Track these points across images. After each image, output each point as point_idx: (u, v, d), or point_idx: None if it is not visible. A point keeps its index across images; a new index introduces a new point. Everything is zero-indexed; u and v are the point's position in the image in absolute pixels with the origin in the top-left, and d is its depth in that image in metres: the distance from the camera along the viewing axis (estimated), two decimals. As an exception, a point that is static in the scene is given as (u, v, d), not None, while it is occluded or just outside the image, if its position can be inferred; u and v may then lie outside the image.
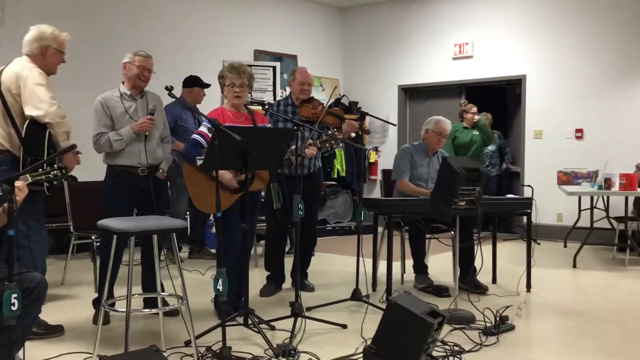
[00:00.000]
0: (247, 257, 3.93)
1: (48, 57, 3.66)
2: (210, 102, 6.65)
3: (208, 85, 6.17)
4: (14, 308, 2.25)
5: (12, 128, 3.49)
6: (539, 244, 7.48)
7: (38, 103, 3.46)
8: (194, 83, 6.19)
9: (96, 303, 4.07)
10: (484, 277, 4.97)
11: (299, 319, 3.79)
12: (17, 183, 2.42)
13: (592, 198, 6.62)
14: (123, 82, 4.12)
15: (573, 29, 7.97)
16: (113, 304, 3.59)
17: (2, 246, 3.46)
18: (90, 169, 6.42)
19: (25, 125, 3.49)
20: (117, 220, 3.32)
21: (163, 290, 4.01)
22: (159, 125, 4.13)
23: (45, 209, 3.87)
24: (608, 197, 6.72)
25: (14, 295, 2.24)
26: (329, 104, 4.84)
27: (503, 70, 8.58)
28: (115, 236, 3.17)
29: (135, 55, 4.08)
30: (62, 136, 3.54)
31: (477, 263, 4.65)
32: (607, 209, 6.71)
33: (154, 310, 3.74)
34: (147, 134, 4.00)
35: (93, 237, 5.02)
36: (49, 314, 3.85)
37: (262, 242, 5.90)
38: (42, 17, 6.64)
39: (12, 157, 3.51)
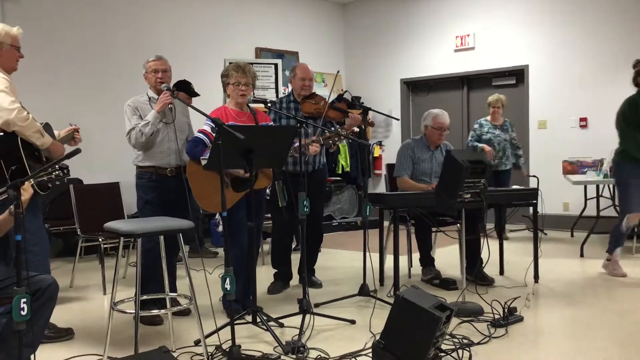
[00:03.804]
0: (254, 255, 3.94)
1: (4, 55, 3.52)
2: (212, 101, 6.66)
3: (197, 95, 6.06)
4: (23, 313, 2.26)
5: None
6: (545, 234, 7.47)
7: None
8: (182, 88, 5.98)
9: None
10: (491, 269, 4.97)
11: (308, 316, 3.79)
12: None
13: (598, 187, 6.60)
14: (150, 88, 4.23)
15: (575, 17, 7.94)
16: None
17: (7, 251, 3.49)
18: (96, 171, 6.49)
19: None
20: (123, 222, 3.34)
21: (175, 290, 4.07)
22: (184, 129, 4.23)
23: (51, 212, 3.89)
24: (614, 185, 6.69)
25: (23, 300, 2.25)
26: (330, 98, 4.84)
27: (505, 61, 8.55)
28: (140, 239, 3.20)
29: (147, 63, 4.19)
30: (34, 137, 3.44)
31: (483, 255, 4.64)
32: (613, 197, 6.69)
33: (163, 311, 3.76)
34: (174, 121, 4.09)
35: (100, 240, 5.04)
36: (59, 316, 3.87)
37: (269, 239, 5.91)
38: (42, 22, 6.72)
39: None
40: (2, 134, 3.41)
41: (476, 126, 7.34)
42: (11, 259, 3.31)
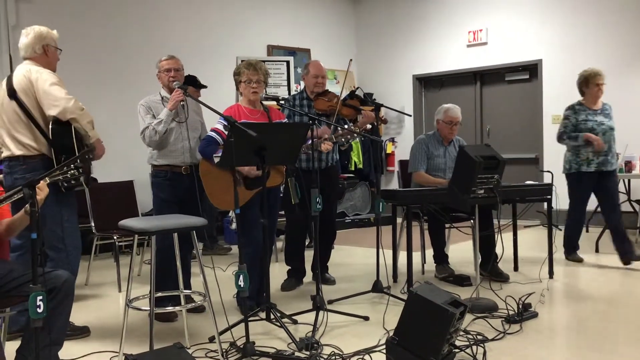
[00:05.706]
0: (268, 252, 3.95)
1: (50, 55, 3.76)
2: (225, 99, 6.68)
3: (204, 87, 6.03)
4: (39, 310, 2.27)
5: (37, 130, 3.55)
6: (560, 229, 7.41)
7: (55, 102, 3.51)
8: (189, 83, 5.95)
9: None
10: (505, 265, 4.94)
11: (321, 312, 3.80)
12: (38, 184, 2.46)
13: (613, 182, 6.53)
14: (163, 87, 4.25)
15: (589, 10, 7.87)
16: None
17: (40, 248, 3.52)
18: (111, 169, 6.53)
19: (50, 127, 3.55)
20: (137, 220, 3.36)
21: (190, 288, 4.09)
22: (197, 127, 4.26)
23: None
24: (629, 180, 6.65)
25: (39, 297, 2.27)
26: (343, 95, 4.83)
27: (518, 55, 8.50)
28: (154, 236, 3.22)
29: (160, 62, 4.22)
30: (87, 127, 3.59)
31: (498, 251, 4.62)
32: (628, 192, 6.64)
33: (177, 308, 3.78)
34: (186, 119, 4.12)
35: (115, 237, 5.08)
36: (75, 314, 3.89)
37: (282, 236, 5.92)
38: (56, 20, 6.75)
39: (45, 160, 3.56)
40: (54, 126, 3.54)
41: (568, 112, 5.58)
42: (45, 255, 3.37)
